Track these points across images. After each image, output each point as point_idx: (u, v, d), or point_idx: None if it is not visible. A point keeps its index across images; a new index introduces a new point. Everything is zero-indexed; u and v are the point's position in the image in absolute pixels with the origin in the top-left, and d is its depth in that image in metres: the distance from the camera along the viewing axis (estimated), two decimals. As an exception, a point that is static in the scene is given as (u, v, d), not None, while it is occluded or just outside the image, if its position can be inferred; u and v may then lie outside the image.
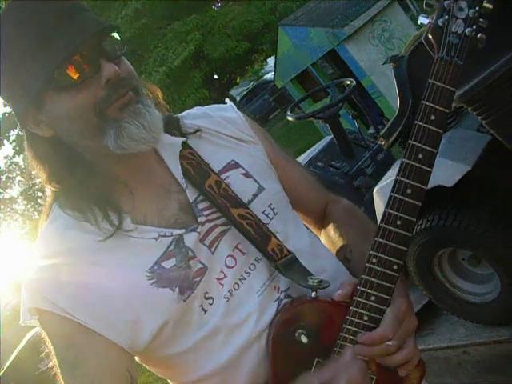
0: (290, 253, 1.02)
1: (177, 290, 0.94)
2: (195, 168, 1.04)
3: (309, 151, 3.51)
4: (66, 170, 0.99)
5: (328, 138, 3.52)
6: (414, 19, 8.80)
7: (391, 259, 0.94)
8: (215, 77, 15.62)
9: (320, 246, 1.17)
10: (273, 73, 20.28)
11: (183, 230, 0.98)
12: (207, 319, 0.97)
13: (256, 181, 1.09)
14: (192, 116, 1.16)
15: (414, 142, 0.90)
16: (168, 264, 0.95)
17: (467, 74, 1.85)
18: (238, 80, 19.40)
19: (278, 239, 1.02)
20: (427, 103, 0.89)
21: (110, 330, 0.94)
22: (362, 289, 0.95)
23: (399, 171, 0.91)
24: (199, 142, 1.09)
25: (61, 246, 0.98)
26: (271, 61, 25.21)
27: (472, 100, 1.90)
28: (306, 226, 1.21)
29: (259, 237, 1.00)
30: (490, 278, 2.38)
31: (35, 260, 0.99)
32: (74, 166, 0.99)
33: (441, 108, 0.89)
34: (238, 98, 22.51)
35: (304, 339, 0.96)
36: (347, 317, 0.96)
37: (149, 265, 0.95)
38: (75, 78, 0.89)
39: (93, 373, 0.92)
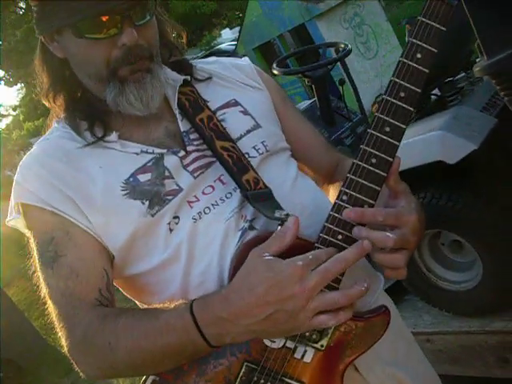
0: (266, 187, 1.04)
1: (146, 203, 1.00)
2: (191, 103, 1.10)
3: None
4: (67, 87, 1.09)
5: (308, 102, 3.36)
6: (386, 9, 8.79)
7: (363, 198, 0.91)
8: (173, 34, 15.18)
9: (305, 185, 1.16)
10: (225, 44, 20.10)
11: (165, 150, 1.04)
12: (172, 239, 1.01)
13: (254, 119, 1.14)
14: (205, 62, 1.25)
15: (397, 80, 0.90)
16: (143, 178, 1.02)
17: (500, 43, 1.71)
18: (195, 43, 19.03)
19: (256, 173, 1.05)
20: (414, 40, 0.89)
21: (91, 225, 1.00)
22: (329, 226, 0.93)
23: (379, 107, 0.91)
24: (204, 83, 1.17)
25: (50, 151, 1.07)
26: (225, 33, 25.09)
27: (500, 73, 1.76)
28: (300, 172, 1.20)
29: (236, 168, 1.03)
30: (469, 267, 2.29)
31: (25, 161, 1.08)
32: (74, 88, 1.09)
33: (429, 47, 0.89)
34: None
35: None
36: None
37: (125, 176, 1.02)
38: (97, 34, 0.97)
39: (70, 266, 0.98)
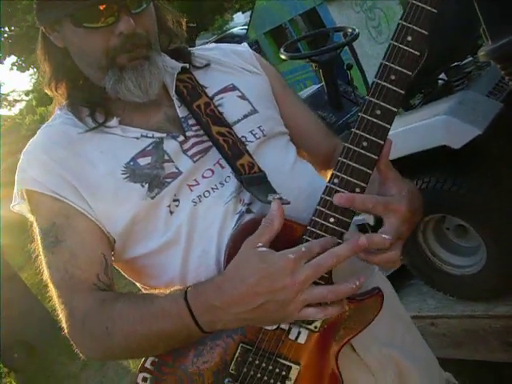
0: (260, 171, 1.05)
1: (146, 186, 1.02)
2: (189, 90, 1.12)
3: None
4: (68, 76, 1.11)
5: (315, 87, 3.35)
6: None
7: (354, 181, 0.92)
8: (185, 19, 15.10)
9: (303, 169, 1.17)
10: (237, 28, 19.92)
11: (164, 135, 1.06)
12: (172, 221, 1.03)
13: (251, 104, 1.15)
14: (204, 49, 1.27)
15: (387, 63, 0.90)
16: (143, 161, 1.04)
17: (504, 28, 1.70)
18: (207, 27, 18.92)
19: (251, 157, 1.06)
20: (405, 23, 0.89)
21: (91, 211, 1.03)
22: (321, 209, 0.93)
23: (370, 90, 0.91)
24: (202, 70, 1.19)
25: (53, 137, 1.09)
26: (237, 17, 24.89)
27: (505, 57, 1.76)
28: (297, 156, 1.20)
29: (231, 152, 1.05)
30: (474, 252, 2.29)
31: (28, 148, 1.10)
32: (75, 76, 1.11)
33: (419, 29, 0.89)
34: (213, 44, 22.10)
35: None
36: (304, 236, 0.94)
37: (125, 160, 1.04)
38: (94, 23, 0.99)
39: (70, 251, 1.01)
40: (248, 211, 1.05)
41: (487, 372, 2.43)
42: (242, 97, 1.16)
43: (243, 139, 1.10)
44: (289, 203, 0.99)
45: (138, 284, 1.16)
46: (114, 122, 1.08)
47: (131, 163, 1.04)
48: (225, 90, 1.16)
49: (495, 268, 2.16)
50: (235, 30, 21.67)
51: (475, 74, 2.45)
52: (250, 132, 1.12)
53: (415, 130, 2.16)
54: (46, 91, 1.16)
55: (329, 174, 1.25)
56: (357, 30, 2.87)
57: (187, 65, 1.17)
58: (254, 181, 1.04)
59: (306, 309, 0.88)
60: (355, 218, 0.96)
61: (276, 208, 0.93)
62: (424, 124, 2.14)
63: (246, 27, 11.03)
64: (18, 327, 5.90)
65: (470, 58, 2.55)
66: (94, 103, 1.10)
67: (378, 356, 1.13)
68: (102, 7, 0.98)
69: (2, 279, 6.14)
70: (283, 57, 2.90)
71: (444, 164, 2.18)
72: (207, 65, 1.20)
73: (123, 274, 1.16)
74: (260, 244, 0.90)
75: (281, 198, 0.99)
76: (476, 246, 2.27)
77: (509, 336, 2.15)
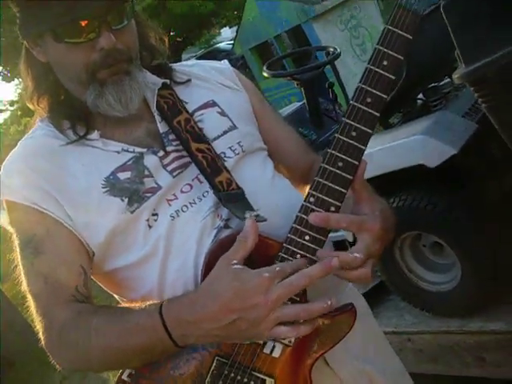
0: (238, 188, 1.07)
1: (126, 200, 1.03)
2: (169, 106, 1.13)
3: (277, 114, 3.37)
4: (50, 90, 1.12)
5: (297, 104, 3.41)
6: (383, 12, 8.81)
7: (329, 200, 0.94)
8: (172, 33, 15.15)
9: (281, 185, 1.19)
10: (224, 43, 19.98)
11: (145, 150, 1.08)
12: (151, 235, 1.04)
13: (230, 120, 1.17)
14: (185, 65, 1.29)
15: (364, 86, 0.92)
16: (123, 176, 1.05)
17: (477, 52, 1.75)
18: (194, 42, 18.97)
19: (230, 174, 1.08)
20: (381, 48, 0.92)
21: (72, 223, 1.04)
22: (297, 226, 0.95)
23: (347, 112, 0.94)
24: (183, 85, 1.21)
25: (34, 149, 1.10)
26: (224, 32, 25.00)
27: (478, 80, 1.81)
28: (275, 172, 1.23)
29: (210, 169, 1.07)
30: (449, 269, 2.34)
31: (9, 159, 1.11)
32: (57, 91, 1.12)
33: (395, 54, 0.91)
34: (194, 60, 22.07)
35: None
36: (279, 253, 0.96)
37: (106, 173, 1.05)
38: (76, 38, 1.00)
39: (49, 263, 1.02)
40: (226, 226, 1.06)
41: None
42: (222, 113, 1.18)
43: (222, 155, 1.12)
44: (265, 220, 1.01)
45: (116, 296, 1.17)
46: (95, 135, 1.09)
47: (111, 177, 1.05)
48: (205, 106, 1.18)
49: (469, 285, 2.20)
50: (222, 45, 21.76)
51: (452, 95, 2.51)
52: (229, 148, 1.13)
53: (393, 149, 2.21)
54: (28, 105, 1.17)
55: (306, 189, 1.30)
56: (338, 50, 2.93)
57: (168, 81, 1.19)
58: (231, 198, 1.05)
59: (277, 327, 0.90)
60: (334, 234, 0.99)
61: (250, 225, 0.95)
62: (401, 143, 2.19)
63: (233, 42, 11.10)
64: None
65: (448, 79, 2.61)
66: (75, 116, 1.11)
67: (350, 370, 1.16)
68: (83, 23, 0.99)
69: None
70: (265, 74, 2.95)
71: (420, 182, 2.23)
72: (188, 80, 1.22)
73: (102, 286, 1.17)
74: (235, 261, 0.92)
75: (258, 215, 1.01)
76: (451, 263, 2.31)
77: (482, 351, 2.19)
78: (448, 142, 2.07)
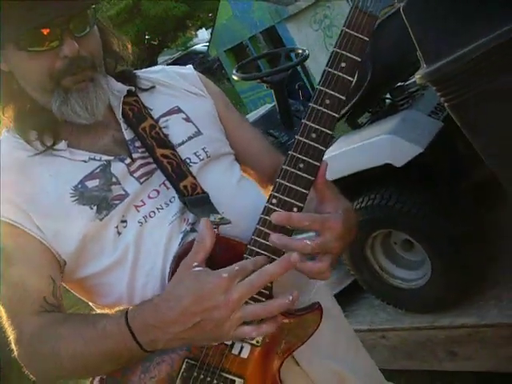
0: (203, 192, 1.09)
1: (95, 208, 1.05)
2: (135, 113, 1.14)
3: (248, 116, 3.39)
4: (15, 100, 1.11)
5: (268, 106, 3.42)
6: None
7: (291, 201, 0.96)
8: (147, 36, 15.11)
9: (247, 188, 1.20)
10: (201, 45, 19.96)
11: (112, 157, 1.09)
12: (120, 242, 1.06)
13: (195, 126, 1.18)
14: (150, 71, 1.29)
15: (322, 88, 0.94)
16: (91, 184, 1.06)
17: (437, 52, 1.78)
18: (170, 45, 18.93)
19: (194, 179, 1.10)
20: (339, 50, 0.93)
21: (42, 234, 1.04)
22: (260, 228, 0.97)
23: (306, 114, 0.95)
24: (148, 92, 1.21)
25: (2, 162, 1.09)
26: (201, 34, 24.98)
27: (439, 79, 1.84)
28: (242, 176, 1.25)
29: (175, 174, 1.08)
30: (420, 266, 2.37)
31: None
32: (21, 99, 1.11)
33: (352, 56, 0.93)
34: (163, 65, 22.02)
35: None
36: (244, 255, 0.97)
37: (74, 182, 1.06)
38: (38, 46, 1.00)
39: (19, 275, 1.03)
40: (192, 230, 1.07)
41: (438, 382, 2.51)
42: (187, 119, 1.19)
43: (187, 160, 1.13)
44: (230, 223, 1.03)
45: (89, 302, 1.18)
46: (62, 145, 1.09)
47: (79, 186, 1.06)
48: (170, 112, 1.19)
49: (439, 281, 2.24)
50: (198, 47, 21.75)
51: (419, 94, 2.54)
52: (194, 154, 1.15)
53: (361, 149, 2.24)
54: None
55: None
56: (307, 51, 2.95)
57: (133, 88, 1.19)
58: (197, 202, 1.07)
59: (241, 327, 0.91)
60: (306, 234, 1.01)
61: (204, 226, 0.96)
62: (369, 143, 2.21)
63: (208, 44, 11.11)
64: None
65: (414, 79, 2.65)
66: (41, 126, 1.11)
67: (321, 369, 1.17)
68: (45, 31, 0.99)
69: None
70: (235, 78, 2.96)
71: (388, 181, 2.26)
72: (152, 87, 1.23)
73: (74, 292, 1.18)
74: (195, 263, 0.93)
75: (222, 218, 1.03)
76: (421, 260, 2.35)
77: (453, 346, 2.22)
78: (414, 141, 2.10)
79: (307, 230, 1.00)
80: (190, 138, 1.16)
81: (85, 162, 1.09)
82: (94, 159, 1.09)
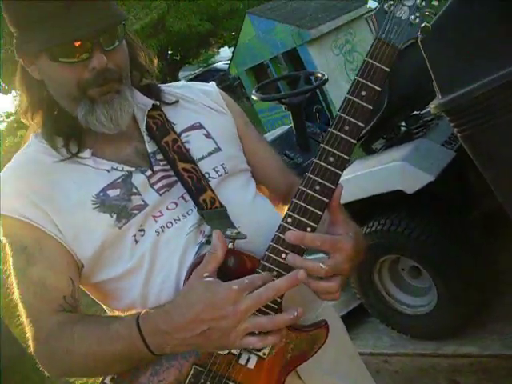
0: (221, 206, 1.12)
1: (114, 216, 1.08)
2: (158, 127, 1.18)
3: (265, 135, 3.43)
4: (44, 106, 1.16)
5: (285, 127, 3.46)
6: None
7: (306, 221, 0.98)
8: (169, 52, 15.28)
9: (262, 205, 1.24)
10: (222, 63, 20.08)
11: (133, 169, 1.12)
12: (137, 250, 1.09)
13: (215, 142, 1.21)
14: (173, 86, 1.33)
15: (342, 114, 0.96)
16: (112, 193, 1.09)
17: (452, 83, 1.83)
18: (191, 61, 19.11)
19: (213, 193, 1.13)
20: (360, 79, 0.95)
21: (62, 236, 1.08)
22: (274, 245, 0.99)
23: (325, 139, 0.97)
24: (171, 106, 1.25)
25: (28, 165, 1.16)
26: (223, 51, 25.14)
27: (453, 110, 1.88)
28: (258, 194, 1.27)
29: (195, 188, 1.12)
30: (426, 293, 2.39)
31: (3, 173, 1.16)
32: (51, 107, 1.15)
33: (373, 86, 0.95)
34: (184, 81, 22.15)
35: None
36: (257, 269, 1.00)
37: (96, 190, 1.09)
38: (69, 58, 1.04)
39: (39, 274, 1.07)
40: (208, 242, 1.08)
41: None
42: (208, 135, 1.22)
43: (206, 175, 1.15)
44: (245, 237, 1.05)
45: (103, 305, 1.22)
46: (86, 153, 1.13)
47: (101, 194, 1.09)
48: (192, 127, 1.22)
49: (445, 309, 2.26)
50: (219, 65, 21.93)
51: (434, 124, 2.58)
52: (213, 169, 1.17)
53: (373, 174, 2.28)
54: (23, 120, 1.22)
55: (285, 209, 1.34)
56: (326, 76, 3.00)
57: (158, 102, 1.22)
58: (214, 215, 1.10)
59: (247, 337, 0.95)
60: (318, 255, 1.04)
61: (217, 238, 1.00)
62: (382, 168, 2.25)
63: (229, 62, 11.23)
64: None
65: (429, 108, 2.68)
66: (67, 133, 1.14)
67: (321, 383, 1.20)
68: (77, 44, 1.03)
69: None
70: (254, 98, 3.02)
71: (399, 208, 2.29)
72: (176, 101, 1.25)
73: (90, 295, 1.22)
74: (206, 274, 0.97)
75: (238, 233, 1.05)
76: (428, 287, 2.37)
77: (455, 374, 2.23)
78: (426, 169, 2.13)
79: (318, 251, 1.02)
80: (209, 154, 1.19)
81: (107, 171, 1.12)
82: (117, 169, 1.12)
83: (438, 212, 2.27)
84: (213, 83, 1.37)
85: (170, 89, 1.29)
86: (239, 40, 9.75)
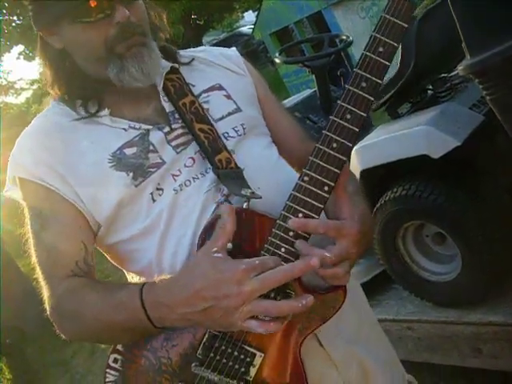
0: (237, 167, 1.12)
1: (131, 174, 1.08)
2: (176, 89, 1.18)
3: (288, 99, 3.39)
4: (68, 78, 1.16)
5: (309, 91, 3.41)
6: None
7: (322, 179, 0.98)
8: (193, 16, 15.12)
9: (282, 167, 1.24)
10: (247, 27, 19.87)
11: (150, 127, 1.13)
12: (154, 209, 1.09)
13: (235, 103, 1.22)
14: (193, 51, 1.33)
15: (359, 71, 0.96)
16: (129, 151, 1.10)
17: (482, 44, 1.75)
18: (215, 25, 18.91)
19: (229, 154, 1.13)
20: (377, 35, 0.95)
21: (77, 199, 1.09)
22: (290, 204, 0.99)
23: (342, 96, 0.98)
24: (190, 69, 1.25)
25: (44, 127, 1.17)
26: (247, 16, 24.86)
27: (482, 72, 1.81)
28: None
29: (211, 148, 1.12)
30: (451, 260, 2.35)
31: (21, 137, 1.17)
32: (75, 76, 1.15)
33: (390, 42, 0.95)
34: (207, 46, 22.03)
35: (228, 245, 0.97)
36: (273, 229, 0.99)
37: (113, 149, 1.10)
38: (92, 16, 1.04)
39: (53, 238, 1.09)
40: (226, 201, 1.10)
41: (459, 378, 2.50)
42: (228, 96, 1.23)
43: (225, 135, 1.17)
44: (260, 198, 1.06)
45: (122, 269, 1.22)
46: (104, 112, 1.14)
47: (118, 152, 1.10)
48: (211, 88, 1.22)
49: (469, 276, 2.22)
50: (243, 29, 21.68)
51: (462, 87, 2.50)
52: (233, 128, 1.18)
53: (398, 139, 2.22)
54: (49, 91, 1.21)
55: None
56: (351, 38, 2.92)
57: (177, 65, 1.23)
58: (230, 175, 1.10)
59: (249, 320, 0.93)
60: None
61: (226, 212, 0.98)
62: (406, 133, 2.20)
63: (253, 27, 11.08)
64: (12, 313, 5.98)
65: (457, 71, 2.60)
66: (86, 95, 1.15)
67: (342, 351, 1.18)
68: (95, 2, 1.03)
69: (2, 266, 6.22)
70: (277, 61, 2.96)
71: (424, 173, 2.24)
72: (192, 60, 1.27)
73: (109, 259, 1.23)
74: (215, 249, 0.95)
75: (253, 193, 1.06)
76: (453, 254, 2.32)
77: (479, 343, 2.20)
78: (452, 134, 2.08)
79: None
80: (229, 114, 1.19)
81: (125, 130, 1.12)
82: (134, 128, 1.12)
83: (464, 178, 2.21)
84: (234, 48, 1.38)
85: (189, 53, 1.30)
86: (263, 3, 9.59)
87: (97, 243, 1.16)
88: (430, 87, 2.62)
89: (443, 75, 2.56)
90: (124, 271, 1.22)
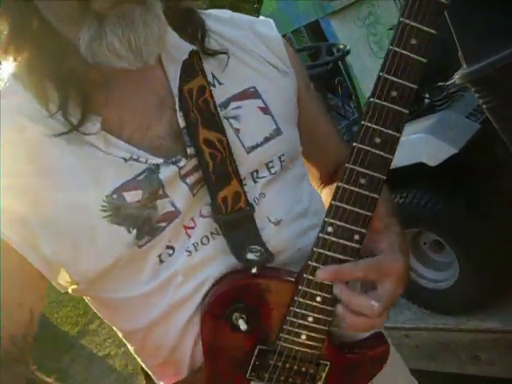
0: (247, 206, 0.80)
1: (134, 232, 0.75)
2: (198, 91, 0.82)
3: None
4: (32, 37, 0.74)
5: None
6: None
7: (351, 227, 0.74)
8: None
9: (315, 214, 0.94)
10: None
11: (161, 160, 0.77)
12: (161, 272, 0.79)
13: (275, 120, 0.87)
14: (221, 20, 0.91)
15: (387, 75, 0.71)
16: (131, 197, 0.75)
17: (478, 53, 1.77)
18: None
19: (241, 186, 0.80)
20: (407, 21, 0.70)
21: (33, 253, 0.75)
22: (314, 264, 0.75)
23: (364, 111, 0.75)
24: (218, 58, 0.87)
25: (6, 132, 0.74)
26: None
27: (478, 81, 1.83)
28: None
29: (215, 176, 0.78)
30: (448, 267, 2.36)
31: None
32: (42, 37, 0.74)
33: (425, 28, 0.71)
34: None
35: (243, 326, 0.78)
36: (295, 297, 0.77)
37: (108, 191, 0.74)
38: None
39: None
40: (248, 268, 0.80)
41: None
42: (265, 109, 0.87)
43: (254, 175, 0.85)
44: (272, 259, 0.81)
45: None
46: (93, 125, 0.75)
47: (114, 196, 0.74)
48: (244, 94, 0.86)
49: (467, 284, 2.23)
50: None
51: (458, 95, 2.52)
52: (266, 165, 0.85)
53: (395, 147, 2.23)
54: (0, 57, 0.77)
55: (328, 189, 1.07)
56: (348, 47, 2.95)
57: (196, 48, 0.84)
58: (236, 222, 0.80)
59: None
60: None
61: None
62: (404, 141, 2.19)
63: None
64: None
65: (454, 79, 2.62)
66: (64, 83, 0.75)
67: None
68: None
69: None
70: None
71: (421, 180, 2.26)
72: (224, 53, 0.86)
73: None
74: None
75: (262, 254, 0.80)
76: (450, 262, 2.33)
77: (476, 350, 2.21)
78: (449, 142, 2.09)
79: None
80: (266, 140, 0.85)
81: (124, 160, 0.76)
82: (138, 160, 0.76)
83: (461, 186, 2.22)
84: (271, 21, 0.97)
85: (218, 25, 0.89)
86: (261, 13, 9.63)
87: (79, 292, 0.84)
88: (427, 96, 2.64)
89: (440, 84, 2.58)
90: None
